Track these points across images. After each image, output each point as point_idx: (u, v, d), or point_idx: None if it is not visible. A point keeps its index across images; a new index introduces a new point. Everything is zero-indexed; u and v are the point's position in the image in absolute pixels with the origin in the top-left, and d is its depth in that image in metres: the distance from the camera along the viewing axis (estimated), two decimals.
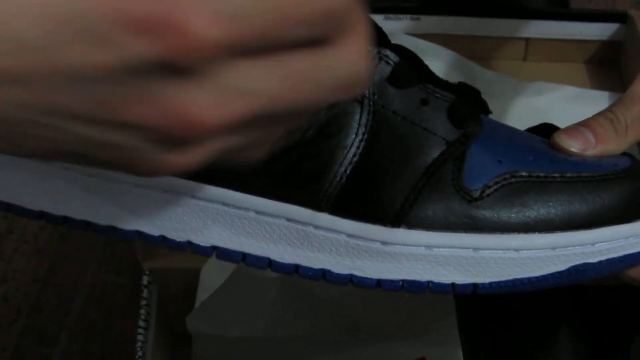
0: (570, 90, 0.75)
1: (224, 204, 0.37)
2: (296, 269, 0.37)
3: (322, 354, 0.57)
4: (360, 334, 0.57)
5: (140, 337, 0.57)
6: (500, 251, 0.37)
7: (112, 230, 0.37)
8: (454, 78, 0.77)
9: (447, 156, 0.37)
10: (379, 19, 0.83)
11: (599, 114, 0.41)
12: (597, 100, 0.74)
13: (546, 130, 0.57)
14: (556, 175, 0.38)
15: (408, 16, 0.82)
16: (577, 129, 0.41)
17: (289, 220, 0.37)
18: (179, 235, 0.37)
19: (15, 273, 0.81)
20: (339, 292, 0.56)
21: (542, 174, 0.38)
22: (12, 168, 0.37)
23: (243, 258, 0.37)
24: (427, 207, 0.37)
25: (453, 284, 0.37)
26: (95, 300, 0.78)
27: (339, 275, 0.37)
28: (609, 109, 0.41)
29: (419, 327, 0.57)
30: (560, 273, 0.37)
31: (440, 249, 0.37)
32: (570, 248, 0.37)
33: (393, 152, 0.37)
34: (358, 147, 0.37)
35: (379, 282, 0.37)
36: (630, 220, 0.38)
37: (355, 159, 0.37)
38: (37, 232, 0.85)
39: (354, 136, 0.37)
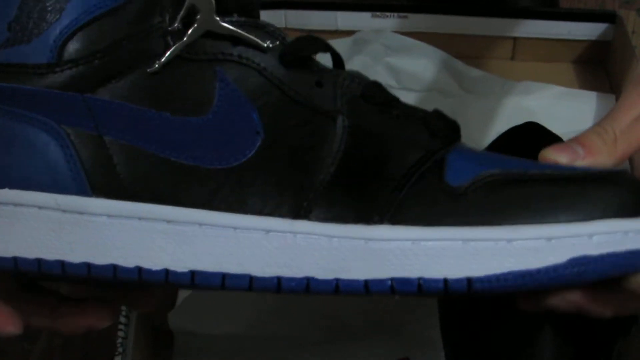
0: (557, 89, 0.75)
1: (202, 224, 0.37)
2: (278, 281, 0.36)
3: (305, 352, 0.57)
4: (343, 333, 0.57)
5: (121, 334, 0.57)
6: (491, 242, 0.35)
7: (85, 267, 0.37)
8: (441, 76, 0.78)
9: (427, 159, 0.37)
10: (366, 16, 0.82)
11: (587, 129, 0.41)
12: (584, 100, 0.74)
13: (531, 129, 0.57)
14: (542, 172, 0.37)
15: (396, 14, 0.81)
16: (565, 143, 0.40)
17: (267, 232, 0.36)
18: (155, 264, 0.37)
19: None
20: None
21: (527, 171, 0.37)
22: None
23: (222, 280, 0.36)
24: (411, 205, 0.36)
25: (445, 280, 0.35)
26: None
27: (324, 282, 0.36)
28: (596, 124, 0.41)
29: (402, 327, 0.57)
30: (559, 266, 0.35)
31: (428, 242, 0.35)
32: (566, 239, 0.35)
33: (371, 159, 0.38)
34: (335, 157, 0.37)
35: (367, 284, 0.36)
36: (628, 215, 0.36)
37: (332, 168, 0.37)
38: None
39: (330, 148, 0.37)
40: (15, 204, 0.37)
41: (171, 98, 0.38)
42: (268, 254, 0.36)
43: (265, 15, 0.83)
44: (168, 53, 0.37)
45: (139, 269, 0.37)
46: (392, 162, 0.37)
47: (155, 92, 0.38)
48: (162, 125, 0.37)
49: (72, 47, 0.37)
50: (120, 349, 0.57)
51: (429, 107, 0.76)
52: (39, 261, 0.37)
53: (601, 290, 0.37)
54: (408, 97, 0.74)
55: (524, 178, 0.37)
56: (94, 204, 0.37)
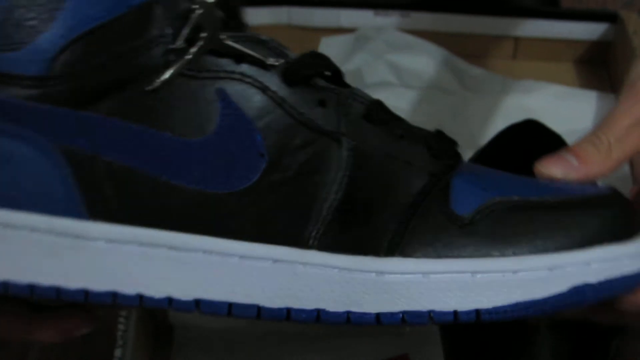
0: (558, 89, 0.76)
1: (206, 251, 0.36)
2: (288, 312, 0.36)
3: (304, 348, 0.57)
4: (342, 329, 0.57)
5: (121, 327, 0.57)
6: (498, 274, 0.36)
7: (83, 294, 0.35)
8: (442, 74, 0.78)
9: (432, 186, 0.37)
10: (368, 14, 0.83)
11: (582, 139, 0.40)
12: (585, 100, 0.74)
13: (530, 127, 0.57)
14: (541, 199, 0.37)
15: (398, 12, 0.82)
16: (558, 154, 0.40)
17: (275, 262, 0.36)
18: (158, 292, 0.35)
19: None
20: None
21: (527, 199, 0.37)
22: None
23: (229, 309, 0.36)
24: (420, 236, 0.36)
25: (455, 312, 0.36)
26: None
27: (335, 314, 0.36)
28: (591, 132, 0.40)
29: None
30: (562, 295, 0.36)
31: (438, 275, 0.36)
32: (566, 268, 0.36)
33: (377, 184, 0.37)
34: (341, 183, 0.37)
35: (379, 317, 0.36)
36: (621, 237, 0.37)
37: (339, 194, 0.36)
38: None
39: (335, 171, 0.37)
40: (5, 225, 0.35)
41: (171, 117, 0.36)
42: (277, 284, 0.36)
43: (269, 13, 0.84)
44: (170, 71, 0.35)
45: (140, 297, 0.35)
46: (398, 188, 0.37)
47: (154, 110, 0.36)
48: (161, 146, 0.35)
49: (66, 60, 0.35)
50: (120, 342, 0.57)
51: (430, 104, 0.77)
52: (31, 287, 0.35)
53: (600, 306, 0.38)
54: (409, 95, 0.75)
55: (526, 206, 0.37)
56: (91, 228, 0.35)
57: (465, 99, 0.75)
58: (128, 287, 0.35)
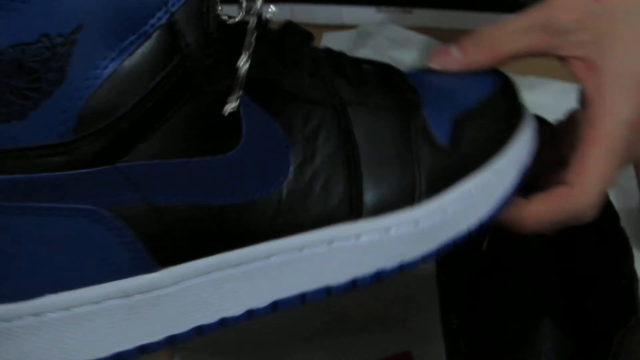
0: (563, 85, 0.75)
1: (266, 257, 0.36)
2: (354, 283, 0.37)
3: (306, 345, 0.57)
4: (344, 326, 0.57)
5: None
6: (487, 184, 0.40)
7: (167, 340, 0.35)
8: None
9: (416, 127, 0.38)
10: (370, 11, 0.83)
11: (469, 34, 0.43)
12: None
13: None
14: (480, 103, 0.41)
15: (400, 9, 0.82)
16: (443, 46, 0.42)
17: (331, 242, 0.37)
18: (237, 310, 0.36)
19: None
20: None
21: (468, 108, 0.40)
22: (57, 327, 0.34)
23: (302, 299, 0.37)
24: (430, 174, 0.38)
25: (469, 230, 0.39)
26: None
27: (392, 270, 0.38)
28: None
29: (403, 321, 0.57)
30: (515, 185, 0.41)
31: (457, 205, 0.39)
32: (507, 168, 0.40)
33: (381, 140, 0.38)
34: (354, 147, 0.37)
35: (423, 258, 0.39)
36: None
37: (363, 155, 0.37)
38: None
39: (348, 137, 0.37)
40: (67, 308, 0.33)
41: (206, 139, 0.34)
42: (338, 263, 0.37)
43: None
44: (236, 93, 0.33)
45: (223, 320, 0.36)
46: (396, 138, 0.38)
47: (189, 138, 0.33)
48: (206, 172, 0.34)
49: (90, 116, 0.30)
50: None
51: None
52: (118, 355, 0.34)
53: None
54: None
55: (471, 116, 0.40)
56: (161, 277, 0.34)
57: None
58: (210, 316, 0.36)
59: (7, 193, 0.30)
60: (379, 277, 0.38)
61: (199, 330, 0.36)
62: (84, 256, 0.33)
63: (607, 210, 0.51)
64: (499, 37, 0.42)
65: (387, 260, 0.38)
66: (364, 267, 0.37)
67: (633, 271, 0.49)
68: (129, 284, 0.34)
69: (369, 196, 0.37)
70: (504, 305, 0.49)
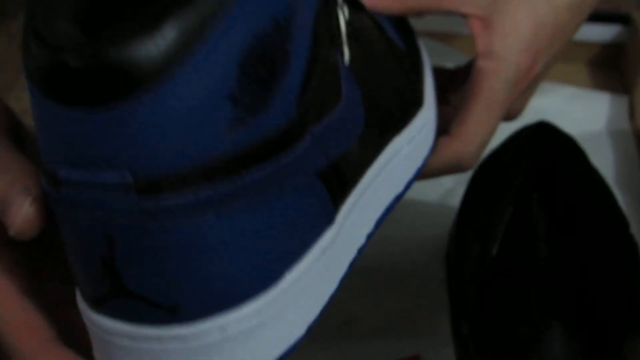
0: (571, 90, 0.75)
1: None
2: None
3: (315, 348, 0.57)
4: (353, 330, 0.57)
5: None
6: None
7: None
8: None
9: (391, 49, 0.41)
10: None
11: None
12: (597, 101, 0.74)
13: (543, 129, 0.57)
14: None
15: None
16: None
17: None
18: None
19: None
20: None
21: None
22: None
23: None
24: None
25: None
26: None
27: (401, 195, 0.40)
28: None
29: (413, 324, 0.57)
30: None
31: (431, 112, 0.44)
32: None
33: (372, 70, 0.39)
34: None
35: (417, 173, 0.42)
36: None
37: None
38: None
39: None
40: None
41: (326, 96, 0.33)
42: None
43: None
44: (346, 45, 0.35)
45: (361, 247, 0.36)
46: (390, 68, 0.40)
47: (323, 95, 0.32)
48: (339, 122, 0.33)
49: (308, 91, 0.30)
50: None
51: None
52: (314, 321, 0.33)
53: None
54: None
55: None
56: (339, 219, 0.34)
57: None
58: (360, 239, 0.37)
59: (261, 187, 0.28)
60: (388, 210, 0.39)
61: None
62: (290, 238, 0.30)
63: (616, 216, 0.51)
64: None
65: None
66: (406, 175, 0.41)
67: None
68: (326, 240, 0.32)
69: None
70: (513, 311, 0.49)
